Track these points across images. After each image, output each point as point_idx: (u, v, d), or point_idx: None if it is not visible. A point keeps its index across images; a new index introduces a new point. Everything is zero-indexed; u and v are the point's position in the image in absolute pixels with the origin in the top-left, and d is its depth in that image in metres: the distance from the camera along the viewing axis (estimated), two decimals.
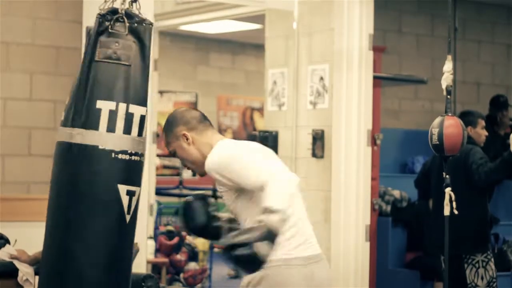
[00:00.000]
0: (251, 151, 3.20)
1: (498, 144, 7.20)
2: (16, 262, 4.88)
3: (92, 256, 3.21)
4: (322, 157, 5.95)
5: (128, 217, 3.19)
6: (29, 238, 5.24)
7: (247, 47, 12.72)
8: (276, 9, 6.37)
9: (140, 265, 5.27)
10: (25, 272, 4.89)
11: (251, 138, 6.49)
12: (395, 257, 7.16)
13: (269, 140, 6.27)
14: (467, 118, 5.73)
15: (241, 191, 3.17)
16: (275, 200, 2.89)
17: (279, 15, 6.39)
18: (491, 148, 6.73)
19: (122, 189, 3.17)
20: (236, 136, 12.86)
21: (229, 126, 12.89)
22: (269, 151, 3.31)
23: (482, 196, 5.66)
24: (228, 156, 3.16)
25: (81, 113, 3.20)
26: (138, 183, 3.24)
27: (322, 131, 5.94)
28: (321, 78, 5.97)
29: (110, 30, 3.23)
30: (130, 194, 3.18)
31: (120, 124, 3.16)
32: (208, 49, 12.46)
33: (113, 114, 3.17)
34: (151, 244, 6.82)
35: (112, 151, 3.17)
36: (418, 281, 6.89)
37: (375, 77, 6.18)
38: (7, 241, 5.05)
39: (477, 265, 5.55)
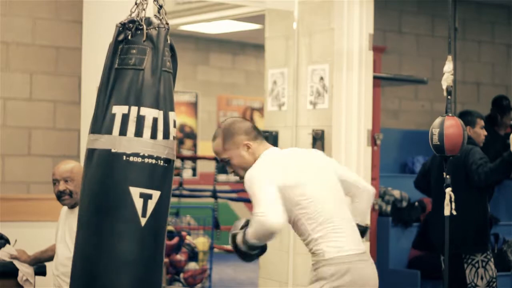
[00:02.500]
0: (269, 181, 3.43)
1: (498, 144, 7.20)
2: (16, 262, 4.89)
3: (105, 259, 3.19)
4: None
5: (143, 220, 3.17)
6: (29, 238, 5.25)
7: (247, 47, 12.72)
8: (276, 9, 6.37)
9: None
10: (25, 272, 4.89)
11: None
12: (395, 257, 7.16)
13: (269, 140, 6.27)
14: (466, 118, 5.73)
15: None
16: (251, 231, 3.43)
17: (279, 15, 6.39)
18: (491, 148, 6.73)
19: (135, 191, 3.17)
20: None
21: None
22: (297, 164, 3.59)
23: (482, 196, 5.66)
24: (253, 177, 3.46)
25: (98, 119, 3.24)
26: (155, 186, 3.21)
27: (322, 131, 5.94)
28: (321, 78, 5.97)
29: (129, 39, 3.26)
30: (145, 197, 3.17)
31: (131, 127, 3.18)
32: (208, 49, 12.46)
33: (125, 118, 3.19)
34: None
35: (123, 154, 3.17)
36: (418, 281, 6.89)
37: (375, 77, 6.18)
38: (7, 241, 5.05)
39: (477, 265, 5.55)
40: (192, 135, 12.32)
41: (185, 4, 7.09)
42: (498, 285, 5.70)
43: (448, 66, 4.46)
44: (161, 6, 3.38)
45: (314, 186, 3.52)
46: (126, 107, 3.19)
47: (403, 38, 8.66)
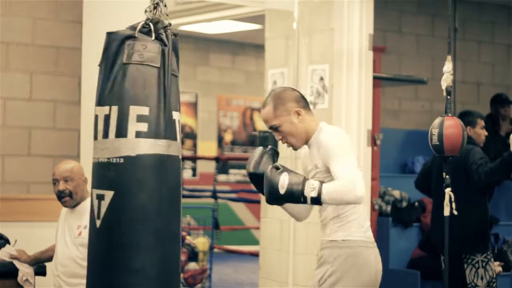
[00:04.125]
0: (349, 147, 3.54)
1: (498, 144, 7.20)
2: (16, 262, 4.89)
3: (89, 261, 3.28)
4: None
5: (98, 222, 3.14)
6: (29, 238, 5.25)
7: (247, 47, 12.72)
8: (276, 9, 6.37)
9: None
10: (25, 272, 4.89)
11: (251, 138, 6.49)
12: (395, 257, 7.15)
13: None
14: (466, 118, 5.73)
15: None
16: (330, 190, 3.39)
17: (279, 15, 6.39)
18: (491, 148, 6.74)
19: (94, 193, 3.18)
20: (236, 137, 12.86)
21: (229, 126, 12.89)
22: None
23: (482, 196, 5.66)
24: (340, 140, 3.54)
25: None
26: (107, 187, 3.16)
27: None
28: (321, 78, 5.97)
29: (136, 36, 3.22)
30: (99, 198, 3.15)
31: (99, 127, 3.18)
32: (208, 49, 12.46)
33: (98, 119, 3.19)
34: None
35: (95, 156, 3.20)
36: (418, 281, 6.89)
37: (375, 77, 6.18)
38: (7, 241, 5.05)
39: (477, 265, 5.55)
40: (192, 135, 12.33)
41: (185, 4, 7.09)
42: (498, 285, 5.70)
43: (448, 66, 4.46)
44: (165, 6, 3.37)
45: None
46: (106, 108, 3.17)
47: (403, 38, 8.65)
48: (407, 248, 7.22)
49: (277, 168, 3.52)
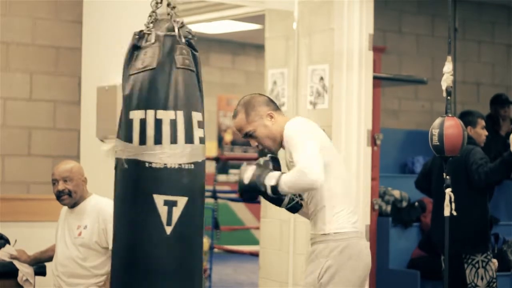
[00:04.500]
0: (311, 136, 3.54)
1: (498, 144, 7.20)
2: (16, 262, 4.89)
3: (132, 268, 3.15)
4: None
5: (168, 229, 3.10)
6: (29, 238, 5.25)
7: (247, 47, 12.72)
8: (276, 9, 6.36)
9: None
10: (25, 272, 4.89)
11: None
12: (395, 257, 7.15)
13: None
14: (467, 118, 5.73)
15: None
16: (287, 179, 3.42)
17: (279, 15, 6.38)
18: (492, 148, 6.73)
19: (159, 199, 3.10)
20: (236, 137, 12.86)
21: (229, 126, 12.89)
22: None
23: (482, 196, 5.66)
24: (298, 129, 3.56)
25: (119, 125, 3.22)
26: (180, 193, 3.14)
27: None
28: (321, 78, 5.97)
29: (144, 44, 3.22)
30: (170, 204, 3.11)
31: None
32: (208, 49, 12.46)
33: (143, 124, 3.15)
34: None
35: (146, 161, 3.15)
36: (418, 281, 6.89)
37: (375, 77, 6.18)
38: (7, 241, 5.05)
39: (477, 265, 5.55)
40: None
41: (185, 4, 7.08)
42: (498, 285, 5.70)
43: (448, 67, 4.46)
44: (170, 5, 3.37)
45: (337, 157, 3.68)
46: (142, 112, 3.12)
47: (403, 38, 8.65)
48: (407, 248, 7.22)
49: (258, 164, 3.56)
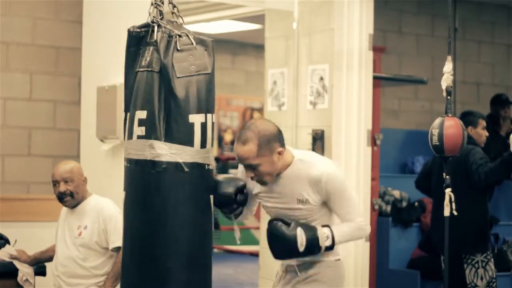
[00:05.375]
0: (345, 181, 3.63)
1: (498, 145, 7.20)
2: (16, 262, 4.89)
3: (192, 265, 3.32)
4: None
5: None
6: (29, 238, 5.25)
7: (247, 47, 12.72)
8: (276, 9, 6.36)
9: None
10: (25, 272, 4.89)
11: None
12: (395, 257, 7.15)
13: None
14: (468, 118, 5.73)
15: (324, 205, 3.56)
16: (343, 235, 3.55)
17: (279, 15, 6.38)
18: (492, 148, 6.73)
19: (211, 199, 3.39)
20: (236, 137, 12.86)
21: (229, 126, 12.88)
22: None
23: (482, 196, 5.66)
24: (342, 177, 3.57)
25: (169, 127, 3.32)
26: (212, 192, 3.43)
27: (322, 131, 5.93)
28: (321, 78, 5.97)
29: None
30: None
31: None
32: None
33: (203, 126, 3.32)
34: None
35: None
36: (418, 281, 6.89)
37: (375, 77, 6.18)
38: (7, 241, 5.05)
39: (476, 265, 5.55)
40: None
41: (185, 4, 7.08)
42: (498, 285, 5.70)
43: (448, 67, 4.45)
44: (174, 6, 3.38)
45: None
46: (202, 115, 3.23)
47: (403, 38, 8.65)
48: (407, 248, 7.22)
49: (285, 223, 3.48)
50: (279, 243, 3.48)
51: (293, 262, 3.60)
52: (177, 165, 3.17)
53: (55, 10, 6.05)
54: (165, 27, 3.25)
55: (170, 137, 3.18)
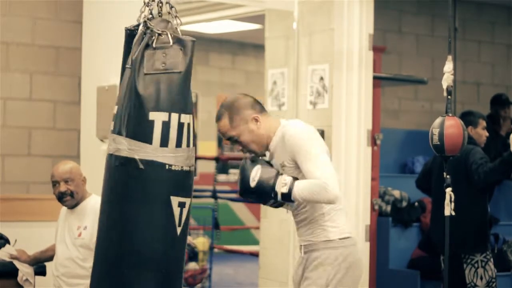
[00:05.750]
0: (324, 150, 3.49)
1: (498, 145, 7.20)
2: (16, 262, 4.88)
3: (143, 266, 3.17)
4: None
5: (179, 230, 3.16)
6: (29, 238, 5.25)
7: (247, 47, 12.72)
8: (276, 9, 6.36)
9: None
10: (25, 272, 4.89)
11: None
12: (395, 257, 7.16)
13: None
14: (468, 118, 5.73)
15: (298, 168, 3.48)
16: (302, 188, 3.38)
17: (279, 15, 6.39)
18: (492, 149, 6.73)
19: (174, 200, 3.16)
20: None
21: None
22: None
23: (482, 196, 5.66)
24: (309, 137, 3.47)
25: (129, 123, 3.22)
26: (187, 194, 3.22)
27: (322, 131, 5.93)
28: (321, 78, 5.97)
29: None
30: (182, 205, 3.17)
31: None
32: (208, 49, 12.46)
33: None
34: None
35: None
36: (418, 281, 6.89)
37: (375, 77, 6.18)
38: (7, 241, 5.05)
39: (476, 265, 5.55)
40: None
41: (185, 4, 7.08)
42: (498, 285, 5.70)
43: (448, 66, 4.46)
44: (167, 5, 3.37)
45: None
46: (165, 114, 3.14)
47: (403, 38, 8.65)
48: (407, 248, 7.22)
49: (252, 160, 3.52)
50: (239, 178, 3.53)
51: (301, 242, 3.61)
52: (133, 161, 3.14)
53: (55, 10, 6.05)
54: (149, 26, 3.24)
55: (131, 133, 3.15)
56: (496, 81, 9.21)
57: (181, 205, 3.18)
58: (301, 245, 3.63)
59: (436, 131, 4.48)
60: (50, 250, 4.86)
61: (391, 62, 8.36)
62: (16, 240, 5.06)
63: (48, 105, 6.03)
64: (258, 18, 7.18)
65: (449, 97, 4.49)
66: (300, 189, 3.39)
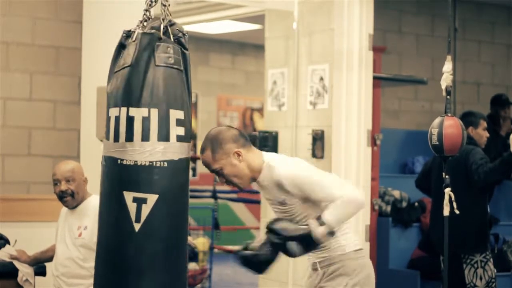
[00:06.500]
0: (313, 169, 3.53)
1: (499, 145, 7.20)
2: (16, 262, 4.88)
3: (101, 266, 3.19)
4: (322, 157, 5.95)
5: (137, 226, 3.10)
6: (29, 238, 5.25)
7: (247, 47, 12.72)
8: (276, 9, 6.37)
9: None
10: (25, 272, 4.89)
11: (252, 138, 6.48)
12: (395, 257, 7.16)
13: (269, 140, 6.27)
14: (469, 118, 5.73)
15: (306, 199, 3.49)
16: (333, 215, 3.38)
17: (279, 15, 6.39)
18: (492, 149, 6.73)
19: (128, 196, 3.11)
20: None
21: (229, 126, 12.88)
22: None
23: (482, 197, 5.66)
24: (303, 170, 3.49)
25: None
26: (150, 190, 3.13)
27: (322, 131, 5.94)
28: (321, 78, 5.97)
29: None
30: (139, 201, 3.11)
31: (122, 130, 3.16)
32: (208, 49, 12.46)
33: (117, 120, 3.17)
34: None
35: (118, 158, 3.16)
36: (418, 281, 6.89)
37: (375, 77, 6.18)
38: (7, 241, 5.05)
39: (476, 265, 5.55)
40: (192, 135, 12.32)
41: (185, 4, 7.09)
42: (498, 285, 5.70)
43: (447, 66, 4.46)
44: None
45: None
46: (117, 109, 3.16)
47: (403, 38, 8.66)
48: (407, 248, 7.22)
49: (272, 244, 3.46)
50: (285, 254, 3.49)
51: (314, 259, 3.61)
52: (102, 159, 3.21)
53: (55, 10, 6.05)
54: (137, 25, 3.27)
55: (105, 133, 3.22)
56: (496, 81, 9.21)
57: (138, 200, 3.10)
58: (314, 262, 3.63)
59: (435, 131, 4.48)
60: (50, 250, 4.86)
61: (391, 62, 8.37)
62: (16, 241, 5.06)
63: (48, 105, 6.03)
64: (258, 18, 7.18)
65: (448, 97, 4.49)
66: (333, 217, 3.39)
